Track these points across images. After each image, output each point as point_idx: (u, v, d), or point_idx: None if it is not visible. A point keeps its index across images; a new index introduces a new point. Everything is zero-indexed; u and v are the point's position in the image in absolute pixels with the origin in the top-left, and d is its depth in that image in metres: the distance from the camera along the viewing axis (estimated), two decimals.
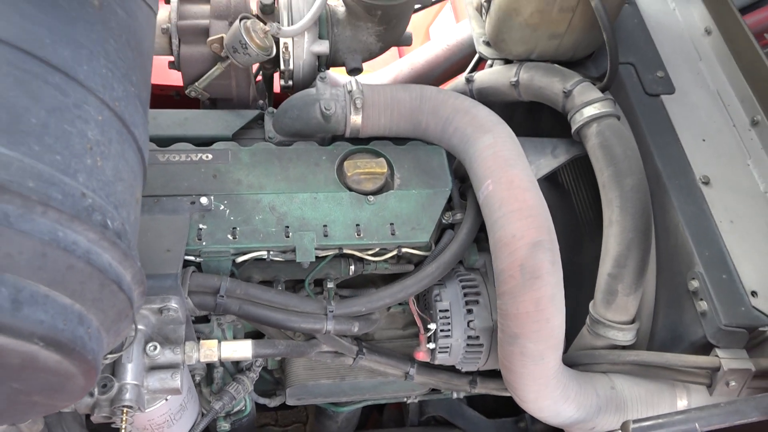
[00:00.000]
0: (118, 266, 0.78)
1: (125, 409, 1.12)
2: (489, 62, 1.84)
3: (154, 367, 1.19)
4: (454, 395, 1.79)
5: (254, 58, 1.46)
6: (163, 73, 1.95)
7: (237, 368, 1.59)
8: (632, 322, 1.42)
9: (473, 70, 1.94)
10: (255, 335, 1.58)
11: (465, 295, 1.49)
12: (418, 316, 1.51)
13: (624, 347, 1.44)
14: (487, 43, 1.68)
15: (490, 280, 1.52)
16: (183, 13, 1.55)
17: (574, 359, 1.47)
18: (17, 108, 0.69)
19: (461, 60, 2.01)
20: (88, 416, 1.48)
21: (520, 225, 1.29)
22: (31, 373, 0.73)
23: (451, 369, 1.61)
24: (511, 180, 1.35)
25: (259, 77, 1.80)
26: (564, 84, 1.51)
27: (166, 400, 1.24)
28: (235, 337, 1.56)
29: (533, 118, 1.83)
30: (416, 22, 2.60)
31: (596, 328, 1.42)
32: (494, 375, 1.59)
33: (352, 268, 1.51)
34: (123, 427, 1.12)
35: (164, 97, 2.10)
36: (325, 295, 1.50)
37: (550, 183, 1.81)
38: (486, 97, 1.69)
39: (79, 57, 0.79)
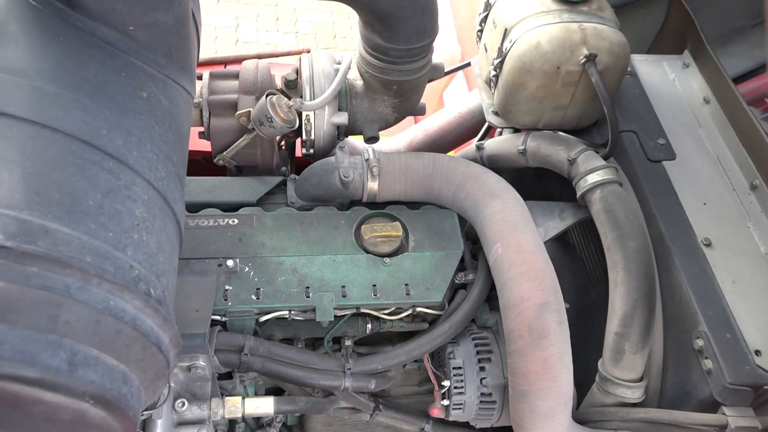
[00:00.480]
0: (159, 330, 0.86)
1: None
2: (498, 130, 1.95)
3: (181, 423, 1.26)
4: None
5: (279, 131, 1.58)
6: (191, 139, 2.08)
7: (258, 424, 1.65)
8: (640, 379, 1.46)
9: (483, 136, 2.05)
10: (275, 391, 1.64)
11: (478, 353, 1.55)
12: (432, 374, 1.57)
13: (633, 405, 1.48)
14: (496, 113, 1.79)
15: (501, 339, 1.58)
16: (213, 88, 1.68)
17: (584, 416, 1.51)
18: (78, 192, 0.80)
19: (472, 127, 2.12)
20: None
21: (527, 287, 1.36)
22: (79, 427, 0.81)
23: (466, 425, 1.65)
24: (519, 244, 1.43)
25: (282, 144, 1.92)
26: (569, 152, 1.61)
27: None
28: (256, 393, 1.62)
29: (542, 183, 1.92)
30: (431, 88, 2.73)
31: (605, 385, 1.47)
32: (508, 431, 1.63)
33: (369, 326, 1.58)
34: None
35: (192, 161, 2.22)
36: (343, 353, 1.57)
37: (559, 242, 1.88)
38: (496, 164, 1.79)
39: (129, 144, 0.89)
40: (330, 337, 1.57)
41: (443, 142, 2.16)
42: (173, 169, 1.00)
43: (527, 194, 1.63)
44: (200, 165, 2.21)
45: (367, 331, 1.58)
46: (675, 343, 1.49)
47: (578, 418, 1.49)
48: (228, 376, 1.57)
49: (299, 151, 1.92)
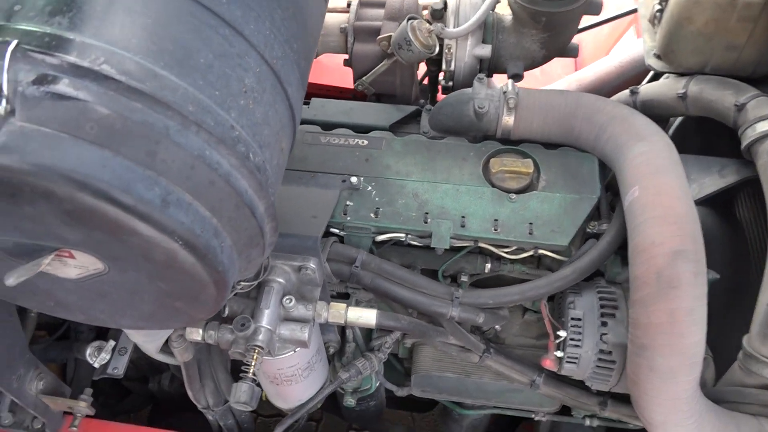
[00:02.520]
0: (254, 195, 0.90)
1: (257, 349, 1.24)
2: (664, 77, 1.75)
3: (287, 319, 1.31)
4: (587, 422, 1.70)
5: (417, 56, 1.57)
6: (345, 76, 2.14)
7: (368, 347, 1.67)
8: None
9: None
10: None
11: (602, 306, 1.43)
12: (549, 321, 1.48)
13: None
14: (658, 56, 1.62)
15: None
16: (360, 15, 1.71)
17: (719, 395, 1.33)
18: (190, 48, 0.85)
19: (633, 78, 1.94)
20: (233, 366, 1.66)
21: (661, 231, 1.22)
22: (173, 273, 0.87)
23: (581, 386, 1.54)
24: (660, 186, 1.28)
25: (426, 80, 1.90)
26: (737, 97, 1.41)
27: (295, 351, 1.35)
28: None
29: (705, 139, 1.70)
30: (600, 41, 2.56)
31: (749, 363, 1.28)
32: (627, 400, 1.49)
33: (488, 265, 1.52)
34: (253, 365, 1.25)
35: (344, 99, 2.29)
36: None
37: (717, 207, 1.67)
38: (650, 110, 1.62)
39: (247, 17, 0.93)
40: (446, 269, 1.54)
41: (599, 94, 2.00)
42: (291, 54, 1.02)
43: (686, 151, 1.46)
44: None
45: (486, 270, 1.53)
46: None
47: (712, 396, 1.32)
48: (345, 296, 1.60)
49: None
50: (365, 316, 1.35)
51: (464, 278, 1.55)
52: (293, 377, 1.44)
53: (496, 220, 1.45)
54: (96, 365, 1.51)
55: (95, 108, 0.75)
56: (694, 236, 1.22)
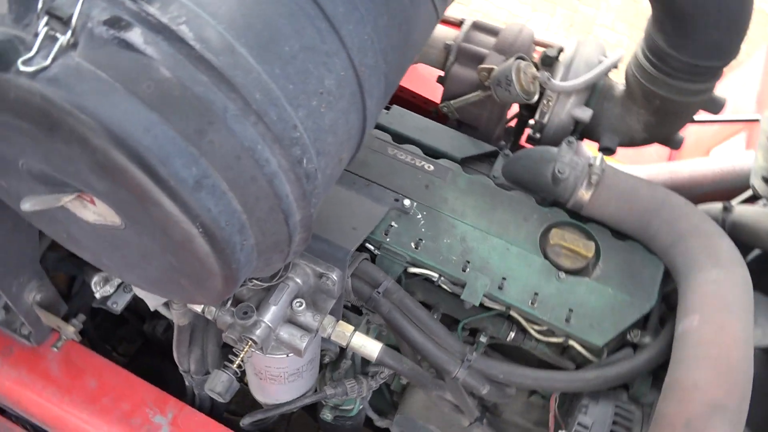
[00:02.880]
0: (293, 202, 0.83)
1: (250, 342, 1.18)
2: (762, 202, 1.61)
3: (291, 321, 1.25)
4: None
5: (513, 97, 1.47)
6: (432, 89, 2.06)
7: (363, 370, 1.59)
8: None
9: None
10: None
11: (614, 423, 1.31)
12: (554, 416, 1.38)
13: None
14: (766, 180, 1.48)
15: (649, 423, 1.32)
16: (469, 37, 1.62)
17: None
18: (279, 33, 0.78)
19: (730, 190, 1.78)
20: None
21: (708, 376, 1.09)
22: (185, 254, 0.81)
23: None
24: (723, 325, 1.16)
25: (514, 122, 1.80)
26: None
27: (287, 356, 1.29)
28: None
29: None
30: (703, 138, 2.40)
31: None
32: None
33: (512, 334, 1.42)
34: (241, 357, 1.19)
35: (425, 111, 2.21)
36: (474, 348, 1.44)
37: None
38: (739, 234, 1.48)
39: (349, 16, 0.86)
40: (467, 324, 1.45)
41: (689, 195, 1.86)
42: (383, 66, 0.95)
43: (761, 286, 1.32)
44: (431, 116, 2.19)
45: (508, 339, 1.43)
46: None
47: None
48: (358, 311, 1.53)
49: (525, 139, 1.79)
50: (369, 347, 1.27)
51: (483, 338, 1.45)
52: (278, 378, 1.38)
53: (536, 293, 1.35)
54: (98, 296, 1.49)
55: (159, 68, 0.69)
56: (742, 392, 1.10)
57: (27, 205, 0.84)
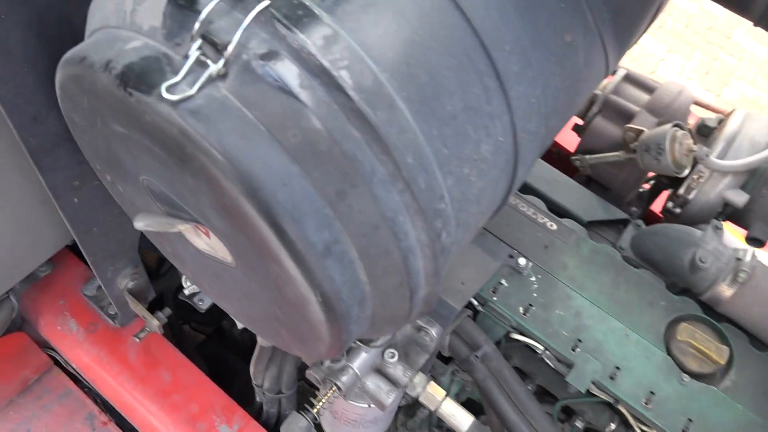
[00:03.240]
0: (423, 279, 0.73)
1: (334, 387, 1.10)
2: None
3: (380, 371, 1.16)
4: None
5: (660, 168, 1.32)
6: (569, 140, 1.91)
7: (438, 424, 1.49)
8: None
9: None
10: (475, 406, 1.46)
11: None
12: None
13: None
14: None
15: None
16: (619, 89, 1.47)
17: None
18: (443, 89, 0.68)
19: None
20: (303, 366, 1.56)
21: None
22: (296, 314, 0.73)
23: None
24: None
25: (648, 185, 1.64)
26: None
27: (369, 406, 1.20)
28: (458, 395, 1.47)
29: None
30: None
31: None
32: None
33: (613, 426, 1.28)
34: (323, 399, 1.12)
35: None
36: (567, 431, 1.30)
37: None
38: None
39: (522, 77, 0.75)
40: (565, 404, 1.32)
41: None
42: (543, 132, 0.83)
43: None
44: (550, 157, 2.05)
45: (607, 430, 1.28)
46: None
47: None
48: (446, 361, 1.43)
49: (658, 206, 1.62)
50: (459, 418, 1.17)
51: (579, 424, 1.32)
52: (354, 422, 1.30)
53: (652, 392, 1.20)
54: (186, 292, 1.45)
55: (310, 116, 0.61)
56: None
57: (140, 224, 0.78)
